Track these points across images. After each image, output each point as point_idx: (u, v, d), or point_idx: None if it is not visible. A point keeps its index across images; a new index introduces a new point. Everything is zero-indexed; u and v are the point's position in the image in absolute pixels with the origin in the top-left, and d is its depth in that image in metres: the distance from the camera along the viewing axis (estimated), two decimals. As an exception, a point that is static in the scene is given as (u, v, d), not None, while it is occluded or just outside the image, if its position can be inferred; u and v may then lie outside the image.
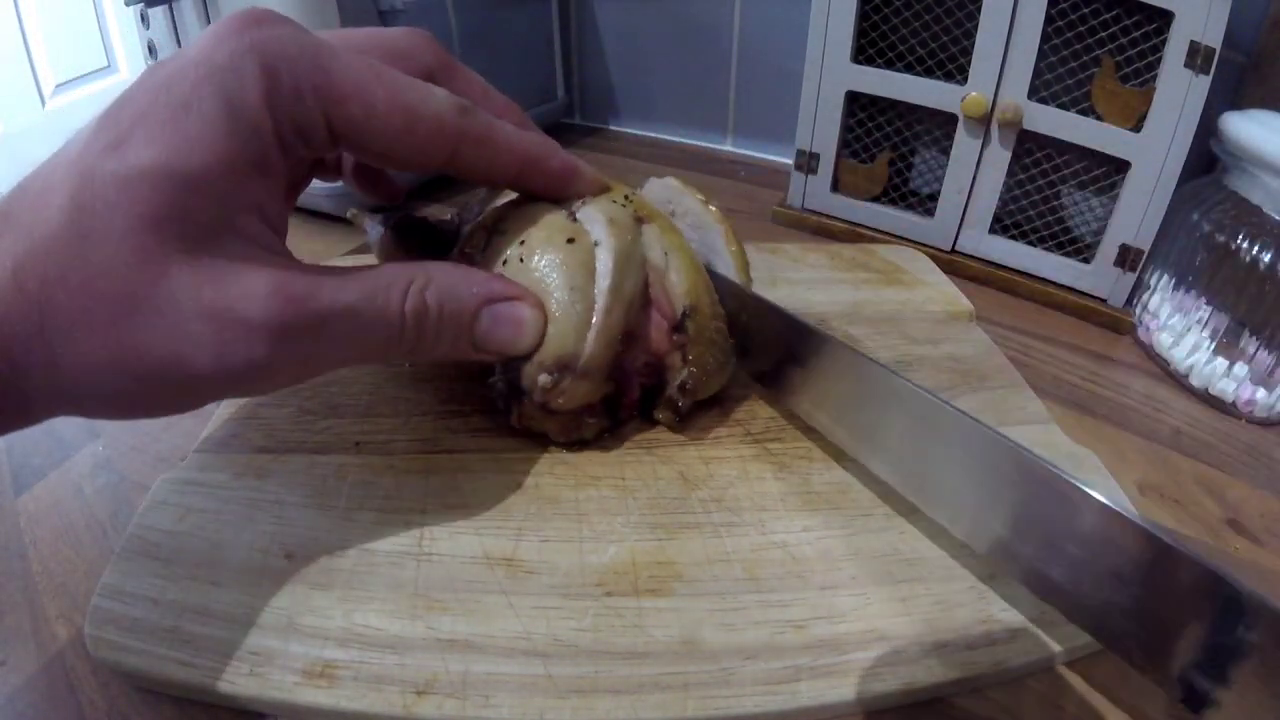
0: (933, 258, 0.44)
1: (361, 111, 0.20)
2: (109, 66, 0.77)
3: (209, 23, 0.48)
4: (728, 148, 0.69)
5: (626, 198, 0.28)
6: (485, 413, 0.29)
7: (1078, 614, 0.20)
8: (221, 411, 0.30)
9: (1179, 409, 0.35)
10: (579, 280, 0.25)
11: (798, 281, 0.40)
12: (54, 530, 0.27)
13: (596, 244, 0.26)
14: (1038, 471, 0.20)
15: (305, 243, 0.49)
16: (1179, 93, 0.37)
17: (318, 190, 0.49)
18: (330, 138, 0.20)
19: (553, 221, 0.26)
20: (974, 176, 0.45)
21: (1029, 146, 0.43)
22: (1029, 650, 0.21)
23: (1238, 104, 0.41)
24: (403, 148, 0.21)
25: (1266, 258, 0.33)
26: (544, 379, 0.24)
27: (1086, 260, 0.43)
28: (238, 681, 0.20)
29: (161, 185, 0.17)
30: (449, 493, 0.26)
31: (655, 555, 0.24)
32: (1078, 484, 0.19)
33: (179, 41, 0.50)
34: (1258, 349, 0.34)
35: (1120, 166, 0.40)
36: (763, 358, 0.29)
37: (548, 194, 0.27)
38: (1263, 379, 0.34)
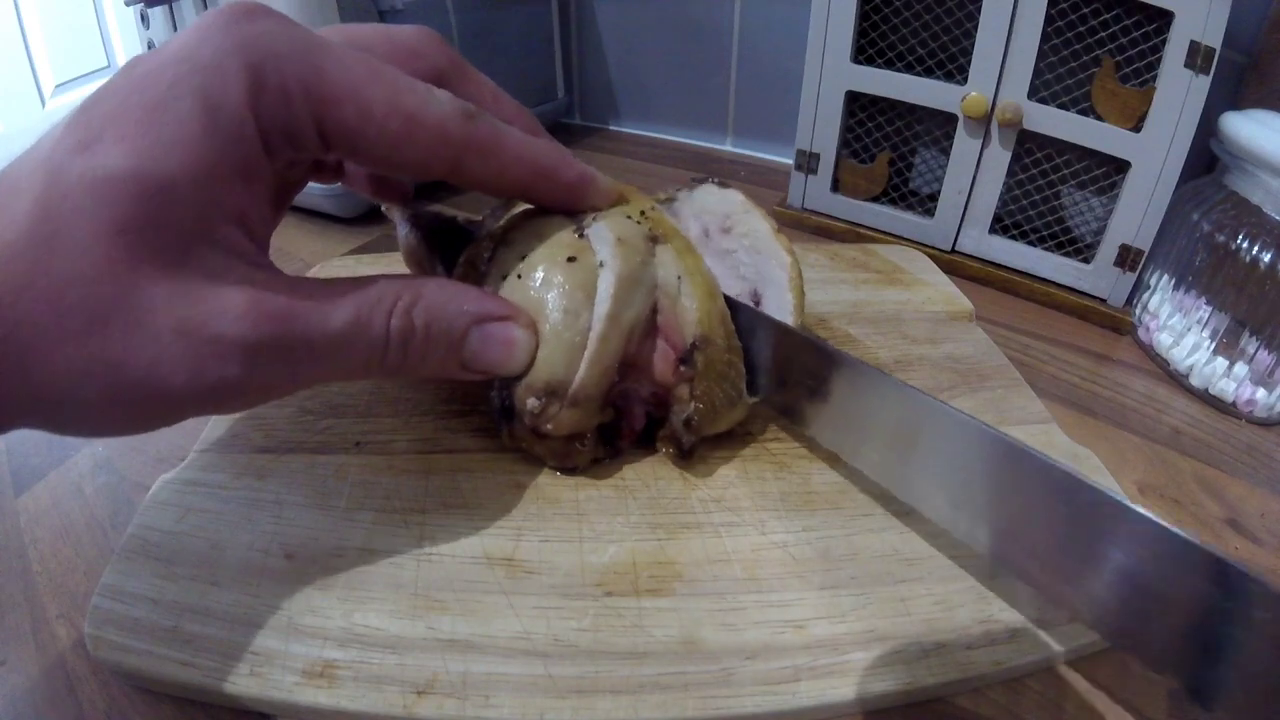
0: (933, 258, 0.44)
1: (356, 115, 0.19)
2: (109, 66, 0.77)
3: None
4: (728, 148, 0.69)
5: (644, 213, 0.26)
6: (485, 413, 0.29)
7: (1086, 615, 0.20)
8: (221, 411, 0.30)
9: (1179, 409, 0.35)
10: (576, 303, 0.23)
11: (798, 281, 0.40)
12: (54, 530, 0.27)
13: (601, 265, 0.24)
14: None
15: (305, 242, 0.49)
16: (1179, 93, 0.37)
17: (317, 190, 0.49)
18: (322, 142, 0.19)
19: (558, 238, 0.25)
20: (974, 176, 0.45)
21: (1029, 146, 0.43)
22: (1029, 650, 0.21)
23: (1238, 104, 0.41)
24: (401, 155, 0.20)
25: (1266, 258, 0.33)
26: (532, 403, 0.23)
27: (1086, 260, 0.43)
28: (238, 681, 0.20)
29: (131, 191, 0.16)
30: (449, 493, 0.26)
31: (655, 555, 0.24)
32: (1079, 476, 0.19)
33: (179, 41, 0.50)
34: (1258, 349, 0.34)
35: (1120, 166, 0.40)
36: (801, 399, 0.26)
37: (560, 206, 0.26)
38: (1263, 379, 0.34)
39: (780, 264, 0.28)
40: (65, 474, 0.29)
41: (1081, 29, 0.40)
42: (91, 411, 0.17)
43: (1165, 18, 0.37)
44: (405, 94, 0.19)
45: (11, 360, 0.16)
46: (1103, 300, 0.43)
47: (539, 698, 0.20)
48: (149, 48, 0.53)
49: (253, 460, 0.27)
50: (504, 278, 0.25)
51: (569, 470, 0.27)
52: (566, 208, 0.26)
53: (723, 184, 0.31)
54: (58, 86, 0.74)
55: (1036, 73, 0.41)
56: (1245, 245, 0.34)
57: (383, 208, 0.32)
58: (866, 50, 0.47)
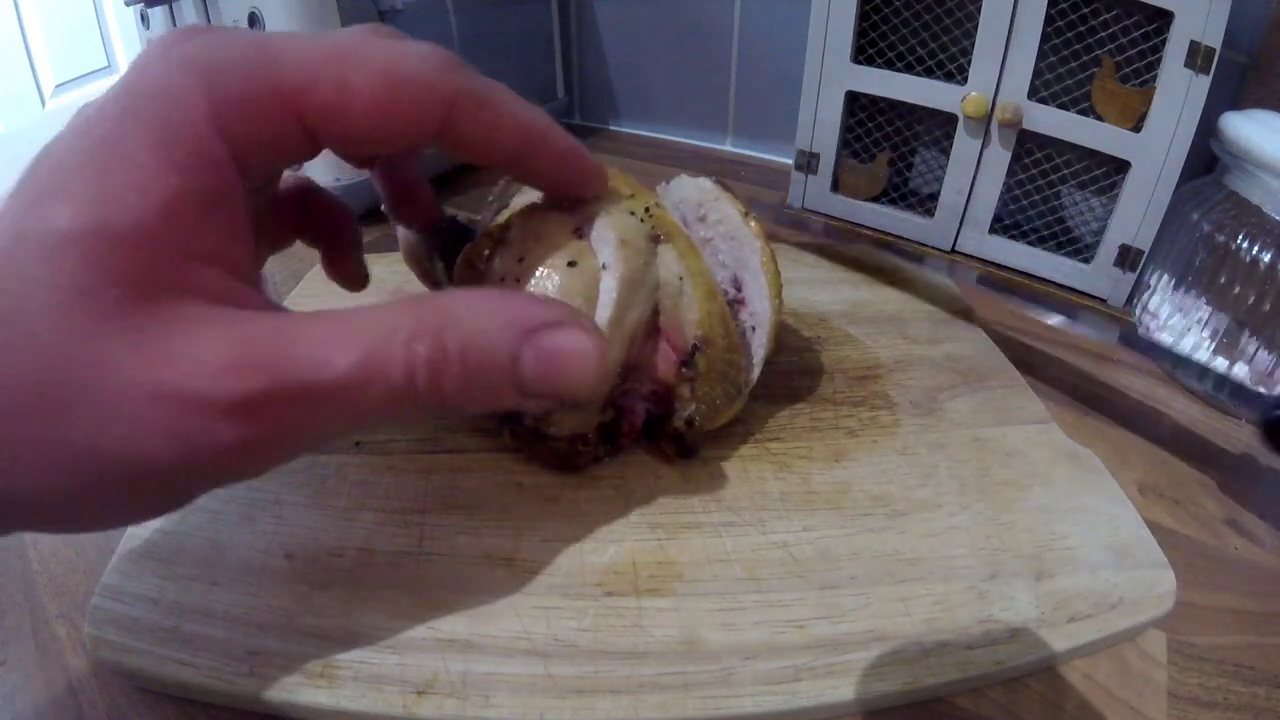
0: (933, 258, 0.44)
1: (334, 90, 0.17)
2: (109, 66, 0.77)
3: (209, 23, 0.48)
4: (728, 148, 0.69)
5: (648, 210, 0.26)
6: (485, 413, 0.29)
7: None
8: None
9: (1179, 409, 0.35)
10: (576, 306, 0.23)
11: (798, 281, 0.40)
12: (54, 530, 0.27)
13: (604, 267, 0.24)
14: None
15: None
16: (1179, 93, 0.37)
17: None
18: (307, 137, 0.17)
19: (557, 240, 0.24)
20: (974, 177, 0.45)
21: (1029, 147, 0.43)
22: (1029, 650, 0.21)
23: (1238, 104, 0.41)
24: (391, 120, 0.18)
25: (1266, 258, 0.33)
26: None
27: (1086, 260, 0.43)
28: (238, 681, 0.20)
29: (84, 248, 0.14)
30: (449, 493, 0.26)
31: (655, 555, 0.24)
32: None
33: (179, 41, 0.50)
34: (1258, 349, 0.34)
35: (1120, 166, 0.40)
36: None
37: (552, 182, 0.24)
38: (1263, 379, 0.34)
39: (753, 249, 0.28)
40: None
41: (1081, 29, 0.40)
42: (83, 504, 0.15)
43: (1165, 18, 0.37)
44: (379, 54, 0.17)
45: None
46: (1103, 300, 0.43)
47: (539, 698, 0.20)
48: (149, 48, 0.53)
49: (253, 460, 0.27)
50: (502, 279, 0.24)
51: (570, 470, 0.27)
52: (559, 184, 0.24)
53: (694, 175, 0.31)
54: (58, 86, 0.74)
55: (1036, 73, 0.41)
56: (1245, 245, 0.34)
57: (383, 206, 0.32)
58: (866, 50, 0.47)
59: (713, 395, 0.25)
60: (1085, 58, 0.40)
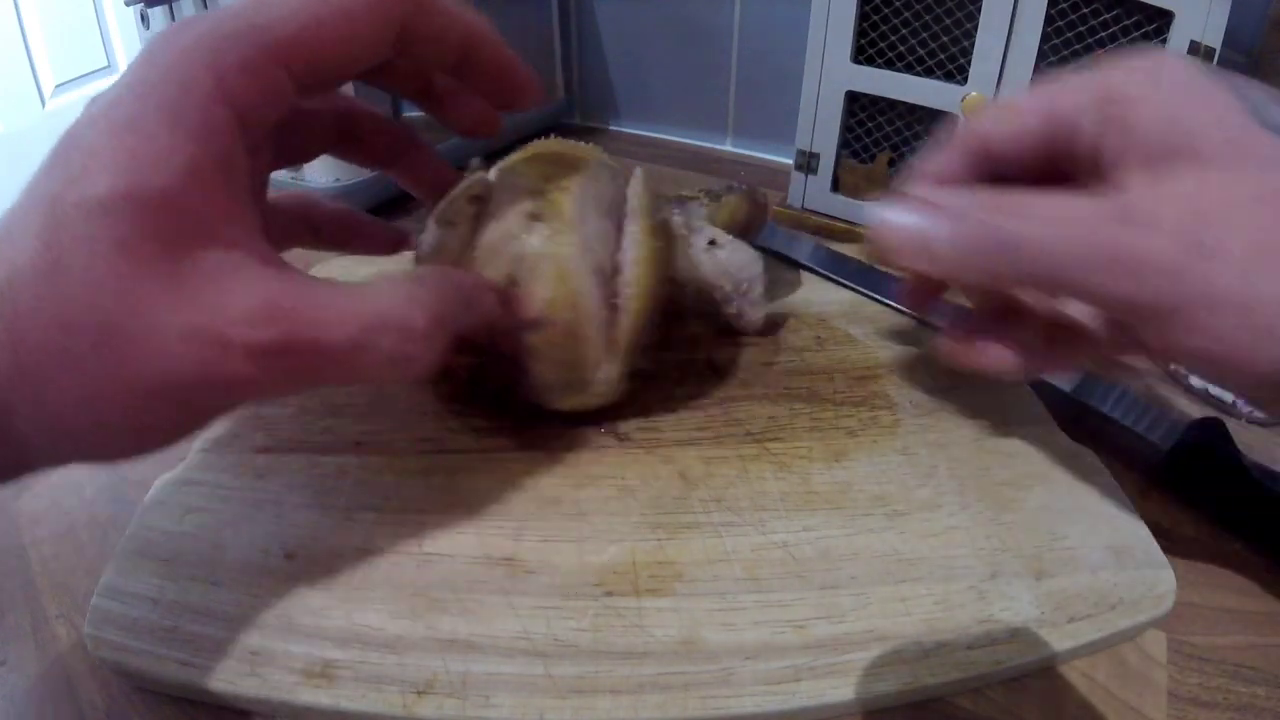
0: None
1: (312, 35, 0.19)
2: (109, 66, 0.77)
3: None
4: (728, 148, 0.69)
5: (562, 187, 0.27)
6: (485, 413, 0.29)
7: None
8: (221, 411, 0.30)
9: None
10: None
11: (798, 281, 0.40)
12: (54, 530, 0.27)
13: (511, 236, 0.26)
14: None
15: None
16: (1179, 93, 0.37)
17: (318, 187, 0.49)
18: (291, 82, 0.19)
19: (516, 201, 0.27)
20: (974, 176, 0.45)
21: (1029, 146, 0.43)
22: (1029, 650, 0.21)
23: (1238, 104, 0.41)
24: (358, 39, 0.20)
25: (1266, 258, 0.33)
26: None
27: (1086, 260, 0.43)
28: (238, 681, 0.20)
29: (124, 208, 0.16)
30: (449, 493, 0.26)
31: (655, 555, 0.24)
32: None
33: (179, 41, 0.50)
34: (1258, 349, 0.34)
35: (1120, 166, 0.40)
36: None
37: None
38: (1263, 379, 0.34)
39: (633, 220, 0.29)
40: (65, 474, 0.29)
41: (1081, 29, 0.40)
42: (112, 431, 0.17)
43: (1165, 18, 0.37)
44: None
45: (29, 394, 0.16)
46: (1103, 300, 0.43)
47: (539, 698, 0.20)
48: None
49: (253, 460, 0.27)
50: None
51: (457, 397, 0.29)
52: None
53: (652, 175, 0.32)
54: (58, 86, 0.74)
55: (1036, 73, 0.41)
56: (1245, 245, 0.34)
57: (470, 163, 0.31)
58: (866, 50, 0.47)
59: (546, 378, 0.26)
60: (1085, 58, 0.40)
